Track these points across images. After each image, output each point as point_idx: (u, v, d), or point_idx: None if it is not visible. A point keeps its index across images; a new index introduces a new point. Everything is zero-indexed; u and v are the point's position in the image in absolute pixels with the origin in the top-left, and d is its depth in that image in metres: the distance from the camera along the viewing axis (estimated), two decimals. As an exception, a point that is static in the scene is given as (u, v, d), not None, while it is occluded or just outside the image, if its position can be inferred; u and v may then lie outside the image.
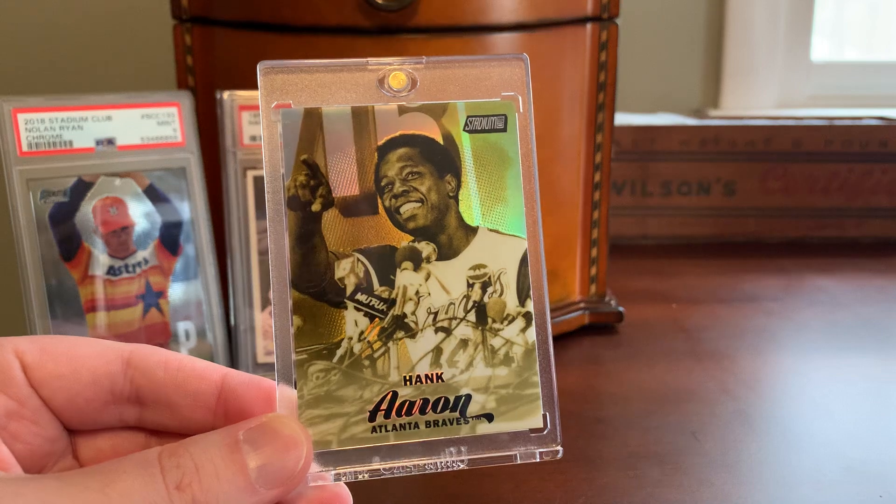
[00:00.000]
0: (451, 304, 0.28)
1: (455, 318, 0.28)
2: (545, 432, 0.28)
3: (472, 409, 0.28)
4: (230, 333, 0.51)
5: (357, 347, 0.27)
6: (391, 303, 0.28)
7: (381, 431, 0.27)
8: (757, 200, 0.83)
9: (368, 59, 0.28)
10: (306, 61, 0.28)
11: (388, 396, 0.27)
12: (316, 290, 0.27)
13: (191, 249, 0.50)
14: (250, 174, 0.49)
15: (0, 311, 0.99)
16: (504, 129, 0.29)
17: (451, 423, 0.28)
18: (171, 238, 0.49)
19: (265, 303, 0.49)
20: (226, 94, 0.49)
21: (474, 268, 0.29)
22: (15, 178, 0.46)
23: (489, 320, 0.28)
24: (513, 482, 0.41)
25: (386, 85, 0.28)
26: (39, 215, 0.46)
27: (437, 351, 0.28)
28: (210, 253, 0.51)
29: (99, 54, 0.95)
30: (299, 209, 0.27)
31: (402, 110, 0.28)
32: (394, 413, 0.27)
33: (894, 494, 0.40)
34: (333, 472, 0.26)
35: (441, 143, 0.29)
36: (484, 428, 0.28)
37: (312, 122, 0.27)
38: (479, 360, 0.28)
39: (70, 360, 0.26)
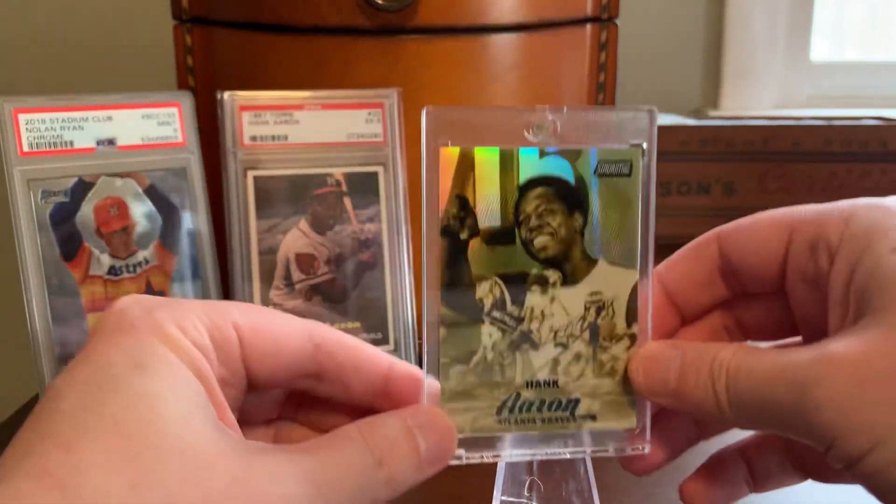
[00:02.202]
0: (570, 323, 0.33)
1: (572, 336, 0.33)
2: (637, 432, 0.33)
3: (580, 410, 0.33)
4: (230, 333, 0.51)
5: (490, 356, 0.32)
6: (520, 320, 0.33)
7: (505, 424, 0.32)
8: (756, 200, 0.83)
9: (518, 106, 0.33)
10: (464, 107, 0.33)
11: (513, 396, 0.32)
12: (459, 306, 0.32)
13: (192, 249, 0.50)
14: (251, 174, 0.49)
15: (0, 311, 0.99)
16: (629, 175, 0.33)
17: (562, 421, 0.33)
18: (171, 238, 0.49)
19: (265, 302, 0.50)
20: (226, 95, 0.49)
21: (592, 294, 0.33)
22: (16, 178, 0.46)
23: (600, 339, 0.33)
24: (512, 482, 0.41)
25: (531, 130, 0.32)
26: (40, 215, 0.46)
27: (555, 361, 0.33)
28: (210, 253, 0.51)
29: (99, 55, 0.95)
30: (450, 237, 0.32)
31: (543, 154, 0.32)
32: (517, 410, 0.32)
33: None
34: (465, 454, 0.32)
35: (573, 184, 0.33)
36: (588, 426, 0.33)
37: (466, 161, 0.32)
38: (589, 371, 0.33)
39: (276, 339, 0.28)
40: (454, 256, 0.32)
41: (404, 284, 0.51)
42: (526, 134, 0.32)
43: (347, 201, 0.50)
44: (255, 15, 0.52)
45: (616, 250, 0.33)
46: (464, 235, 0.32)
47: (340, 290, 0.50)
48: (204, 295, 0.51)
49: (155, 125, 0.49)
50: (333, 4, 0.50)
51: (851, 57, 1.17)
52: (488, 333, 0.32)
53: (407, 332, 0.50)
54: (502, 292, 0.33)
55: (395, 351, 0.50)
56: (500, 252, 0.32)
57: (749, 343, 0.32)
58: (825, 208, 0.32)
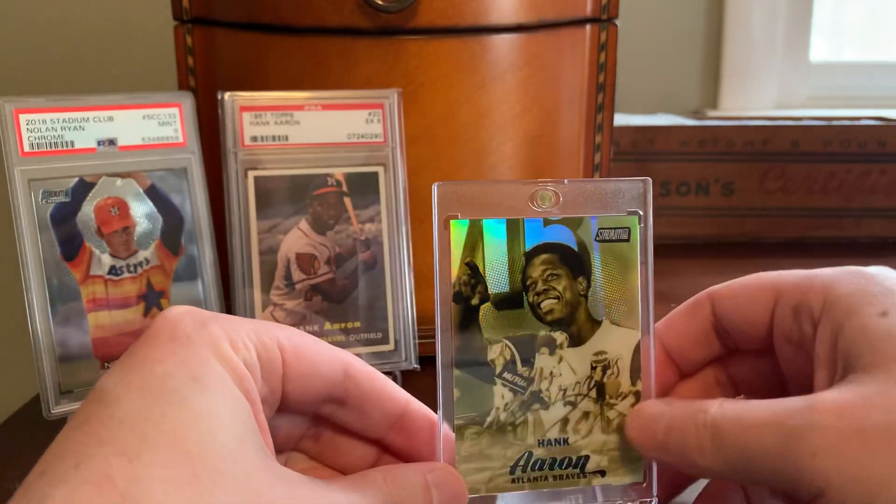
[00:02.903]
0: (578, 382, 0.34)
1: (580, 395, 0.34)
2: (644, 485, 0.34)
3: (590, 466, 0.34)
4: (231, 333, 0.51)
5: (503, 416, 0.34)
6: (530, 381, 0.34)
7: (518, 483, 0.34)
8: (755, 200, 0.84)
9: (522, 180, 0.35)
10: (472, 181, 0.36)
11: (525, 455, 0.34)
12: (472, 369, 0.34)
13: (192, 249, 0.50)
14: (251, 174, 0.49)
15: (1, 311, 0.99)
16: (627, 240, 0.35)
17: (573, 477, 0.34)
18: (172, 238, 0.50)
19: (265, 303, 0.50)
20: (227, 95, 0.49)
21: (597, 354, 0.34)
22: (17, 178, 0.46)
23: (607, 396, 0.34)
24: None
25: (535, 201, 0.34)
26: (41, 215, 0.46)
27: (565, 420, 0.34)
28: (211, 253, 0.51)
29: (100, 55, 0.95)
30: (462, 303, 0.33)
31: (546, 222, 0.34)
32: (529, 468, 0.34)
33: (892, 493, 0.40)
34: None
35: (576, 250, 0.34)
36: (598, 481, 0.34)
37: (475, 231, 0.33)
38: (597, 428, 0.34)
39: (313, 363, 0.29)
40: (466, 321, 0.34)
41: (404, 284, 0.51)
42: (530, 205, 0.34)
43: (348, 201, 0.50)
44: (255, 16, 0.52)
45: (618, 311, 0.35)
46: (475, 301, 0.34)
47: (341, 290, 0.50)
48: (204, 294, 0.51)
49: (156, 125, 0.50)
50: (334, 5, 0.51)
51: (850, 57, 1.17)
52: (500, 394, 0.34)
53: (407, 332, 0.51)
54: (513, 354, 0.34)
55: (395, 350, 0.51)
56: (510, 316, 0.34)
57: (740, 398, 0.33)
58: (807, 275, 0.33)
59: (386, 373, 0.51)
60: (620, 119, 0.85)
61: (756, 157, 0.83)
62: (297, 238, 0.50)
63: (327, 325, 0.50)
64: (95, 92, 0.50)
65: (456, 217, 0.33)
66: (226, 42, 0.54)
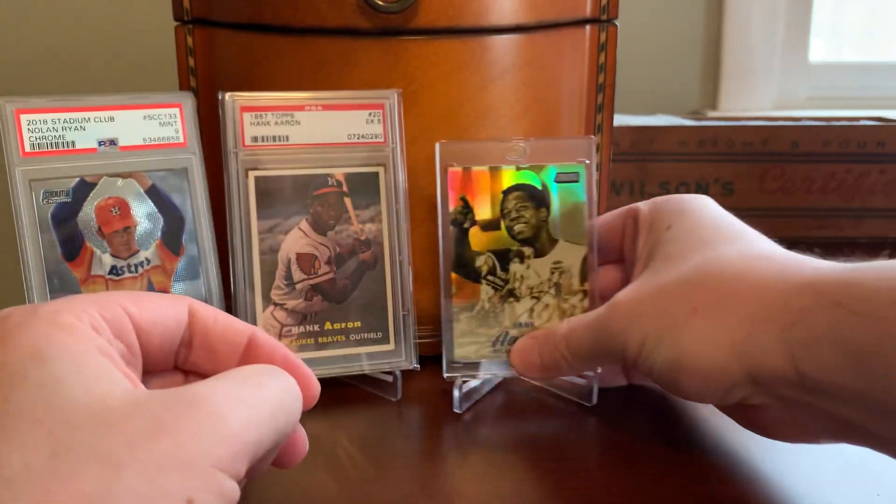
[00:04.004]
0: (541, 283, 0.49)
1: (543, 291, 0.49)
2: None
3: None
4: (231, 333, 0.51)
5: (486, 306, 0.48)
6: (506, 282, 0.48)
7: (499, 353, 0.48)
8: (755, 201, 0.84)
9: (500, 137, 0.51)
10: (464, 141, 0.50)
11: (503, 334, 0.48)
12: (465, 273, 0.48)
13: (193, 249, 0.50)
14: (252, 174, 0.50)
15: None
16: (577, 181, 0.49)
17: None
18: (173, 238, 0.50)
19: (266, 302, 0.50)
20: (228, 96, 0.49)
21: (555, 263, 0.49)
22: (17, 178, 0.46)
23: (562, 293, 0.49)
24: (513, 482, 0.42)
25: (510, 153, 0.49)
26: (42, 215, 0.46)
27: (531, 310, 0.49)
28: (212, 253, 0.51)
29: (101, 55, 0.95)
30: (457, 227, 0.48)
31: (518, 168, 0.49)
32: (506, 343, 0.48)
33: (892, 493, 0.41)
34: (476, 373, 0.48)
35: (540, 188, 0.49)
36: None
37: (467, 175, 0.48)
38: (556, 316, 0.49)
39: (160, 310, 0.31)
40: (460, 239, 0.48)
41: (404, 284, 0.51)
42: (506, 156, 0.49)
43: (348, 201, 0.51)
44: (256, 16, 0.52)
45: (571, 232, 0.49)
46: (466, 225, 0.48)
47: (341, 290, 0.50)
48: (206, 294, 0.51)
49: (156, 126, 0.50)
50: (334, 6, 0.51)
51: (850, 58, 1.17)
52: (485, 291, 0.48)
53: (407, 332, 0.51)
54: (493, 263, 0.48)
55: (395, 350, 0.51)
56: (491, 236, 0.48)
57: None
58: (650, 200, 0.48)
59: (386, 373, 0.51)
60: (620, 119, 0.85)
61: (756, 158, 0.83)
62: (297, 238, 0.50)
63: (327, 325, 0.50)
64: (96, 92, 0.50)
65: (453, 165, 0.48)
66: (226, 42, 0.54)
